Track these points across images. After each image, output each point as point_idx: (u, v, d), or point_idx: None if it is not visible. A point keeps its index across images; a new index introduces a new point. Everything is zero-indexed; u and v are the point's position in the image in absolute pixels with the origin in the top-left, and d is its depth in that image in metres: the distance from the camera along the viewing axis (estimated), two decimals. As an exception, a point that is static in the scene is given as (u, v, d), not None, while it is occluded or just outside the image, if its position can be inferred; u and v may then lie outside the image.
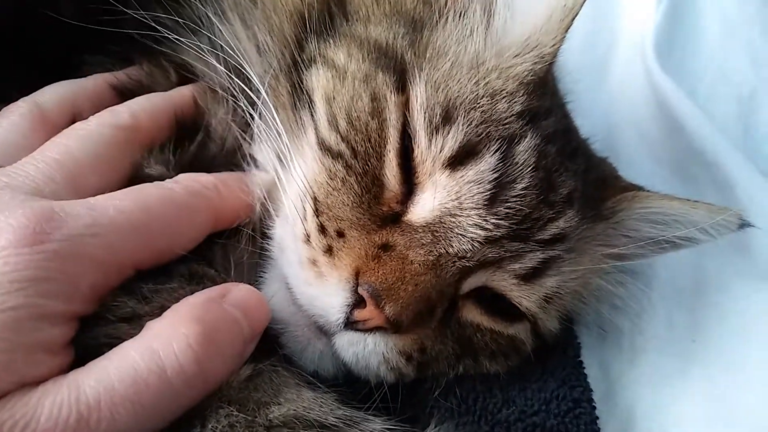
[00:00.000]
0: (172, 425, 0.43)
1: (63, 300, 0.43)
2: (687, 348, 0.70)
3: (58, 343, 0.43)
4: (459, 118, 0.55)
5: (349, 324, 0.53)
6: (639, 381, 0.68)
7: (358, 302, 0.52)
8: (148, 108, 0.56)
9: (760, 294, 0.70)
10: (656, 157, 0.85)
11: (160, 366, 0.42)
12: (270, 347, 0.52)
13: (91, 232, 0.44)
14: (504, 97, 0.56)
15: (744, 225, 0.63)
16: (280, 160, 0.57)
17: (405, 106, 0.55)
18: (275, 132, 0.57)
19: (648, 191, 0.67)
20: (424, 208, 0.54)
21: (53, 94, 0.57)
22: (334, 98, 0.56)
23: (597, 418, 0.62)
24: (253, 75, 0.58)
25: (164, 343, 0.43)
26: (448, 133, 0.54)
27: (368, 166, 0.55)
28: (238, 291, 0.49)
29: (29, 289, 0.41)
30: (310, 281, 0.54)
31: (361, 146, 0.55)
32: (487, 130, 0.55)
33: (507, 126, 0.56)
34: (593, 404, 0.63)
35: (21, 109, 0.55)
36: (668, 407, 0.66)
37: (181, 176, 0.53)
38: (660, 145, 0.85)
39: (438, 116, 0.55)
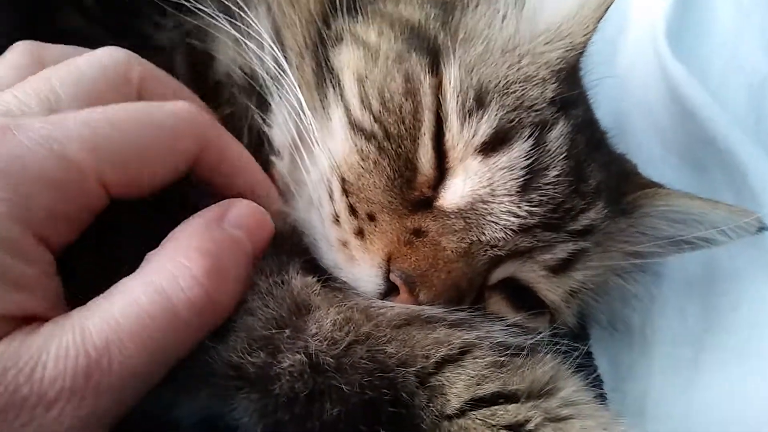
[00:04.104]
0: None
1: (16, 224, 0.39)
2: (698, 337, 0.72)
3: (27, 275, 0.39)
4: (492, 103, 0.55)
5: None
6: (650, 371, 0.70)
7: (390, 290, 0.52)
8: (147, 65, 0.53)
9: (769, 284, 0.70)
10: (666, 144, 0.86)
11: (168, 302, 0.40)
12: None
13: (45, 145, 0.40)
14: (536, 84, 0.56)
15: (763, 229, 0.64)
16: (302, 140, 0.56)
17: (438, 89, 0.55)
18: (299, 110, 0.57)
19: (669, 189, 0.67)
20: (455, 193, 0.54)
21: (57, 47, 0.54)
22: (366, 77, 0.56)
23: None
24: (278, 53, 0.57)
25: (168, 278, 0.41)
26: (482, 118, 0.54)
27: (402, 148, 0.54)
28: (239, 209, 0.47)
29: None
30: (341, 264, 0.54)
31: (395, 128, 0.55)
32: (520, 116, 0.55)
33: (539, 112, 0.56)
34: (604, 395, 0.62)
35: (20, 47, 0.51)
36: (679, 396, 0.68)
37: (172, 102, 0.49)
38: (670, 132, 0.85)
39: (471, 100, 0.54)
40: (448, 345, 0.44)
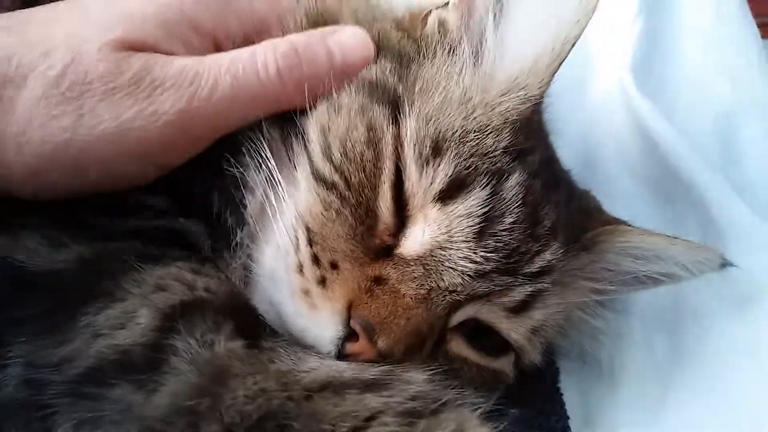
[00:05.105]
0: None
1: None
2: (666, 373, 0.72)
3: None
4: (449, 151, 0.57)
5: (341, 357, 0.54)
6: (618, 406, 0.71)
7: (350, 336, 0.54)
8: None
9: (737, 319, 0.72)
10: (635, 178, 0.88)
11: (253, 63, 0.56)
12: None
13: None
14: (491, 133, 0.58)
15: (725, 264, 0.65)
16: (272, 190, 0.58)
17: (398, 139, 0.57)
18: (267, 161, 0.59)
19: (629, 226, 0.69)
20: (415, 241, 0.56)
21: None
22: (329, 128, 0.58)
23: (572, 445, 0.62)
24: None
25: (258, 55, 0.57)
26: (439, 165, 0.56)
27: (362, 197, 0.56)
28: (343, 32, 0.60)
29: None
30: (303, 312, 0.55)
31: (356, 177, 0.57)
32: (476, 164, 0.57)
33: (494, 160, 0.58)
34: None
35: None
36: None
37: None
38: (638, 166, 0.88)
39: (428, 149, 0.57)
40: (355, 415, 0.45)
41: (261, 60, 0.56)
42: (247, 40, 0.60)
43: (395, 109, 0.58)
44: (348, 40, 0.60)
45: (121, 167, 0.54)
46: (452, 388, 0.50)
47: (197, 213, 0.58)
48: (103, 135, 0.51)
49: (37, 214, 0.54)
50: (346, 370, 0.49)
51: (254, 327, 0.51)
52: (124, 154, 0.53)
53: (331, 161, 0.57)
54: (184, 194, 0.58)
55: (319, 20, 0.65)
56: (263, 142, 0.59)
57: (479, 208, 0.56)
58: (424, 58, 0.61)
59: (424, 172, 0.56)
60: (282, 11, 0.63)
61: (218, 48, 0.59)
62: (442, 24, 0.63)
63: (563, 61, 0.59)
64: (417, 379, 0.50)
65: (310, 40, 0.59)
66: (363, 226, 0.56)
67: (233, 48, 0.59)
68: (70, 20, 0.55)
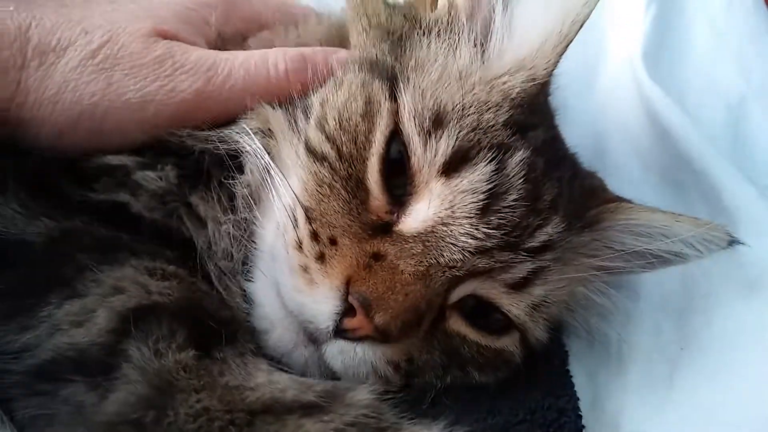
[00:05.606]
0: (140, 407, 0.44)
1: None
2: (674, 355, 0.72)
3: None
4: (450, 122, 0.57)
5: (339, 332, 0.55)
6: (626, 388, 0.70)
7: (348, 311, 0.54)
8: None
9: (746, 302, 0.72)
10: (645, 164, 0.88)
11: (264, 62, 0.63)
12: (233, 337, 0.53)
13: None
14: (490, 108, 0.59)
15: (733, 242, 0.65)
16: (271, 168, 0.59)
17: (396, 115, 0.58)
18: (269, 136, 0.60)
19: (632, 203, 0.69)
20: (417, 219, 0.56)
21: None
22: (327, 100, 0.60)
23: (583, 427, 0.63)
24: None
25: (275, 57, 0.63)
26: (441, 137, 0.57)
27: (352, 169, 0.57)
28: (342, 51, 0.66)
29: None
30: (301, 288, 0.55)
31: (346, 147, 0.57)
32: (478, 138, 0.57)
33: (495, 134, 0.58)
34: (579, 413, 0.64)
35: None
36: (654, 415, 0.68)
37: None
38: (648, 152, 0.87)
39: (429, 120, 0.57)
40: None
41: (272, 60, 0.63)
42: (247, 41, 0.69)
43: (393, 85, 0.59)
44: (346, 57, 0.66)
45: (134, 133, 0.60)
46: (395, 408, 0.50)
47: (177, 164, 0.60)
48: (127, 104, 0.58)
49: (10, 174, 0.55)
50: (288, 388, 0.48)
51: (208, 335, 0.51)
52: (140, 123, 0.59)
53: (324, 131, 0.58)
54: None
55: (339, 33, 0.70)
56: (268, 115, 0.61)
57: (484, 183, 0.56)
58: (421, 37, 0.63)
59: (429, 143, 0.56)
60: (283, 15, 0.73)
61: (224, 44, 0.67)
62: (451, 5, 0.64)
63: (571, 42, 0.59)
64: (358, 401, 0.49)
65: (315, 51, 0.66)
66: (357, 199, 0.56)
67: (235, 46, 0.67)
68: (106, 9, 0.63)
